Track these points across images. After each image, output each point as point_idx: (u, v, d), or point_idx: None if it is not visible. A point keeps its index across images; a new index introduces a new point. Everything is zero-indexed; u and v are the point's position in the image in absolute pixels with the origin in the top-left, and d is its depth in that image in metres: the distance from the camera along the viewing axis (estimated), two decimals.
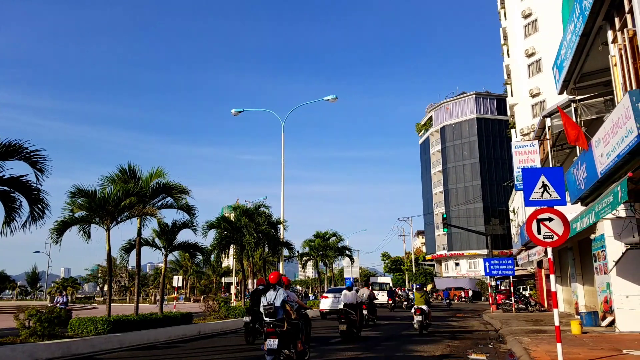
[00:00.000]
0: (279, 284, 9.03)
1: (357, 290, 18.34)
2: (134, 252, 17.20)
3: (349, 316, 15.27)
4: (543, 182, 9.52)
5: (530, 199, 9.56)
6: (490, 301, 33.18)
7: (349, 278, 56.15)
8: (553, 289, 9.43)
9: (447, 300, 44.84)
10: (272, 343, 8.49)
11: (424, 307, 16.98)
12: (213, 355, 12.34)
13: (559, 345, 8.87)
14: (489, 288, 36.66)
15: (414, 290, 34.79)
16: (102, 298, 63.21)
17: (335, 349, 12.78)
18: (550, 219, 9.27)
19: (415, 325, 16.91)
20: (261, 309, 8.91)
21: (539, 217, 9.34)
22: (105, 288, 59.57)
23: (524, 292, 35.24)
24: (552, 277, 9.50)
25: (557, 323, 9.08)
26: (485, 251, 66.09)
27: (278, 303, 8.81)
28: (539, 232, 9.32)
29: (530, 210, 9.90)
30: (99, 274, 71.24)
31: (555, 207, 9.39)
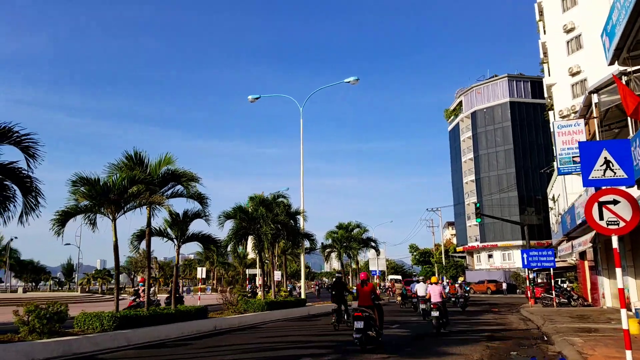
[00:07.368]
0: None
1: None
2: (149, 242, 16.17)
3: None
4: (606, 158, 7.94)
5: (590, 177, 8.00)
6: (529, 295, 31.36)
7: (375, 270, 54.77)
8: (620, 285, 7.78)
9: (461, 299, 27.91)
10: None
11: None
12: (225, 354, 11.11)
13: (628, 352, 7.32)
14: (526, 281, 34.75)
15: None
16: (133, 289, 63.25)
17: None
18: (615, 202, 7.71)
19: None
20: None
21: (602, 199, 7.79)
22: (138, 279, 59.58)
23: (562, 285, 33.29)
24: (617, 270, 7.86)
25: (625, 327, 7.51)
26: (520, 242, 63.71)
27: None
28: (601, 218, 7.77)
29: (588, 192, 8.33)
30: (131, 266, 71.56)
31: (621, 188, 7.80)
